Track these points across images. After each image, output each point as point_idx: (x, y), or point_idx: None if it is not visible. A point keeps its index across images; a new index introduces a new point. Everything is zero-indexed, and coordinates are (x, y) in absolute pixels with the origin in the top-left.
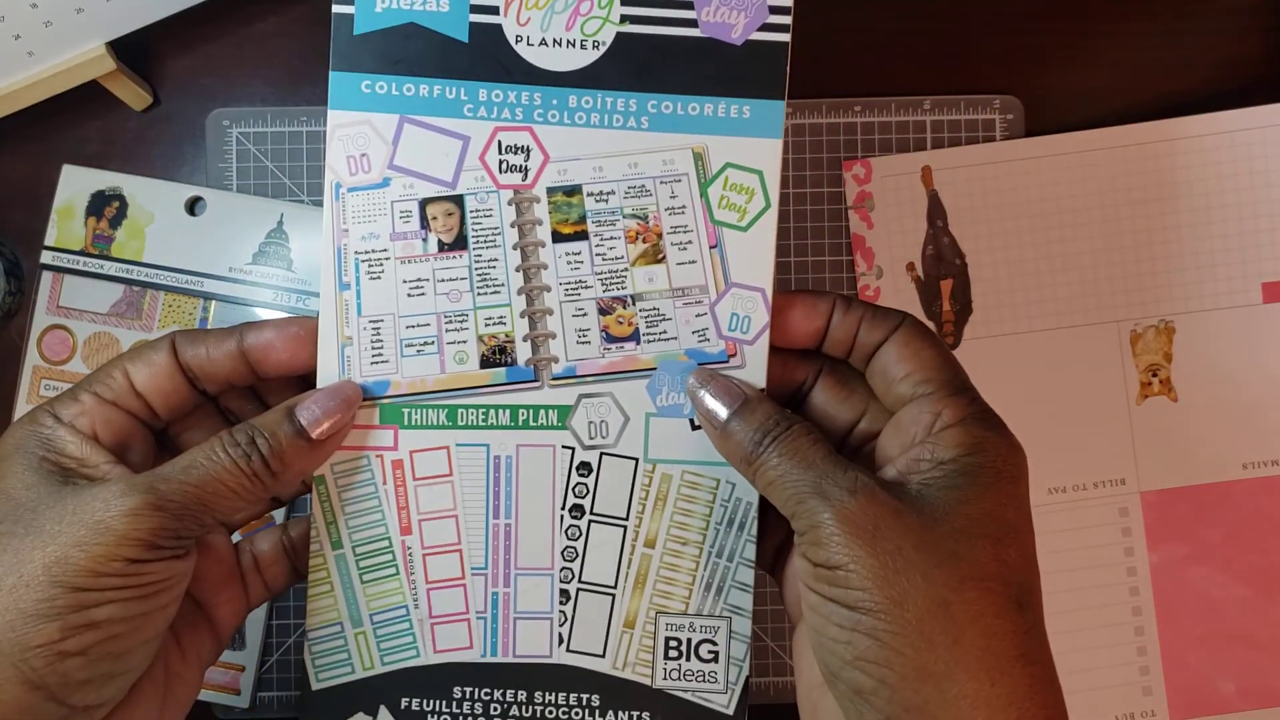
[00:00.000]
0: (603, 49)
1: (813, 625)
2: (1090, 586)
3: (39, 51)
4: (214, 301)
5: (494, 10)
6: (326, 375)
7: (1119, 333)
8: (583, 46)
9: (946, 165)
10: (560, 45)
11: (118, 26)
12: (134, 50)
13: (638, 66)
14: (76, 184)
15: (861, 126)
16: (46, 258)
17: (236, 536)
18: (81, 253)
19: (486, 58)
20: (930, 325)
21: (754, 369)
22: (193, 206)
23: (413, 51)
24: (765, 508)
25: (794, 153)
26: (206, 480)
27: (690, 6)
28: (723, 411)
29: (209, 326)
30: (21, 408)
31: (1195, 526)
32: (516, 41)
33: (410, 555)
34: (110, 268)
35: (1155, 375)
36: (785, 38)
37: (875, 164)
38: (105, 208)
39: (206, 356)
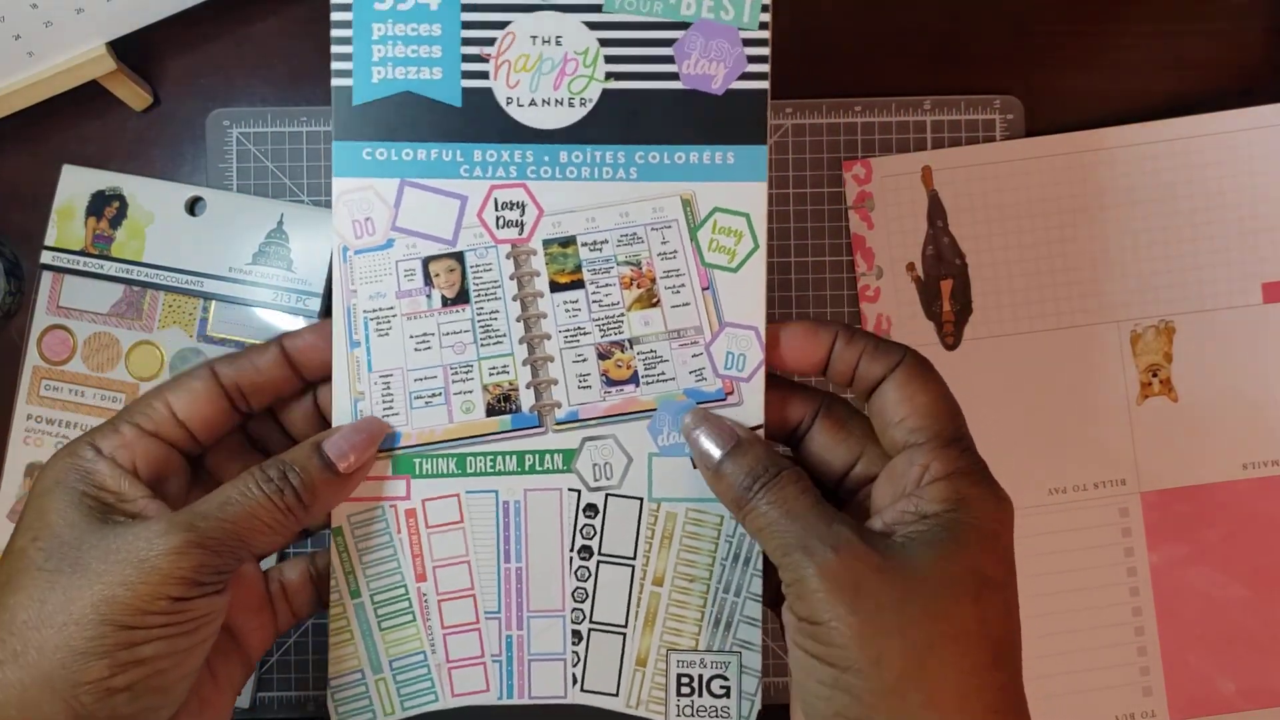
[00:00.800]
0: (590, 105)
1: (797, 676)
2: (1090, 587)
3: (39, 52)
4: (214, 301)
5: (484, 75)
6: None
7: (1119, 333)
8: (570, 104)
9: (946, 165)
10: (549, 104)
11: (118, 26)
12: (134, 50)
13: (624, 120)
14: (76, 184)
15: (861, 126)
16: (46, 258)
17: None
18: (81, 253)
19: (479, 120)
20: (931, 325)
21: (751, 406)
22: (193, 206)
23: (409, 118)
24: None
25: (794, 153)
26: (243, 515)
27: (671, 60)
28: (716, 452)
29: (208, 326)
30: (21, 408)
31: (1195, 527)
32: (507, 103)
33: (426, 602)
34: (110, 268)
35: (1155, 375)
36: (764, 85)
37: (875, 164)
38: (105, 208)
39: (255, 369)
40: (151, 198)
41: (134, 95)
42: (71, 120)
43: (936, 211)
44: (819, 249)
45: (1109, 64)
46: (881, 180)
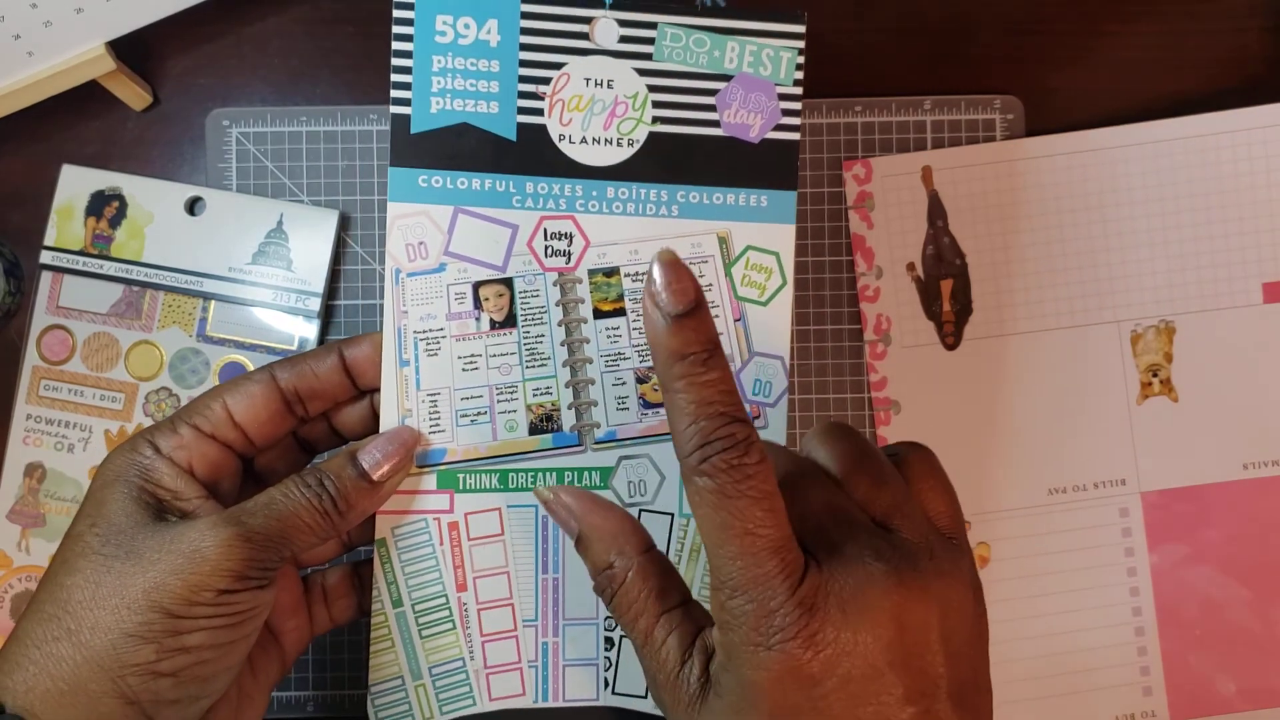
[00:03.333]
0: (636, 146)
1: None
2: (1090, 587)
3: (38, 51)
4: (213, 301)
5: (539, 113)
6: None
7: (1119, 333)
8: (619, 144)
9: (947, 165)
10: (599, 143)
11: (117, 26)
12: (134, 50)
13: (668, 161)
14: (76, 184)
15: (861, 126)
16: (46, 258)
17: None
18: (81, 253)
19: (533, 154)
20: (931, 325)
21: (776, 429)
22: (192, 206)
23: (466, 149)
24: None
25: None
26: (286, 515)
27: (713, 109)
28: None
29: (208, 326)
30: (21, 408)
31: (1196, 527)
32: (560, 140)
33: (466, 610)
34: (110, 268)
35: (1156, 375)
36: (796, 136)
37: (875, 164)
38: (105, 207)
39: (314, 374)
40: (151, 197)
41: (133, 95)
42: (71, 120)
43: (937, 211)
44: (819, 249)
45: (1109, 64)
46: (881, 180)
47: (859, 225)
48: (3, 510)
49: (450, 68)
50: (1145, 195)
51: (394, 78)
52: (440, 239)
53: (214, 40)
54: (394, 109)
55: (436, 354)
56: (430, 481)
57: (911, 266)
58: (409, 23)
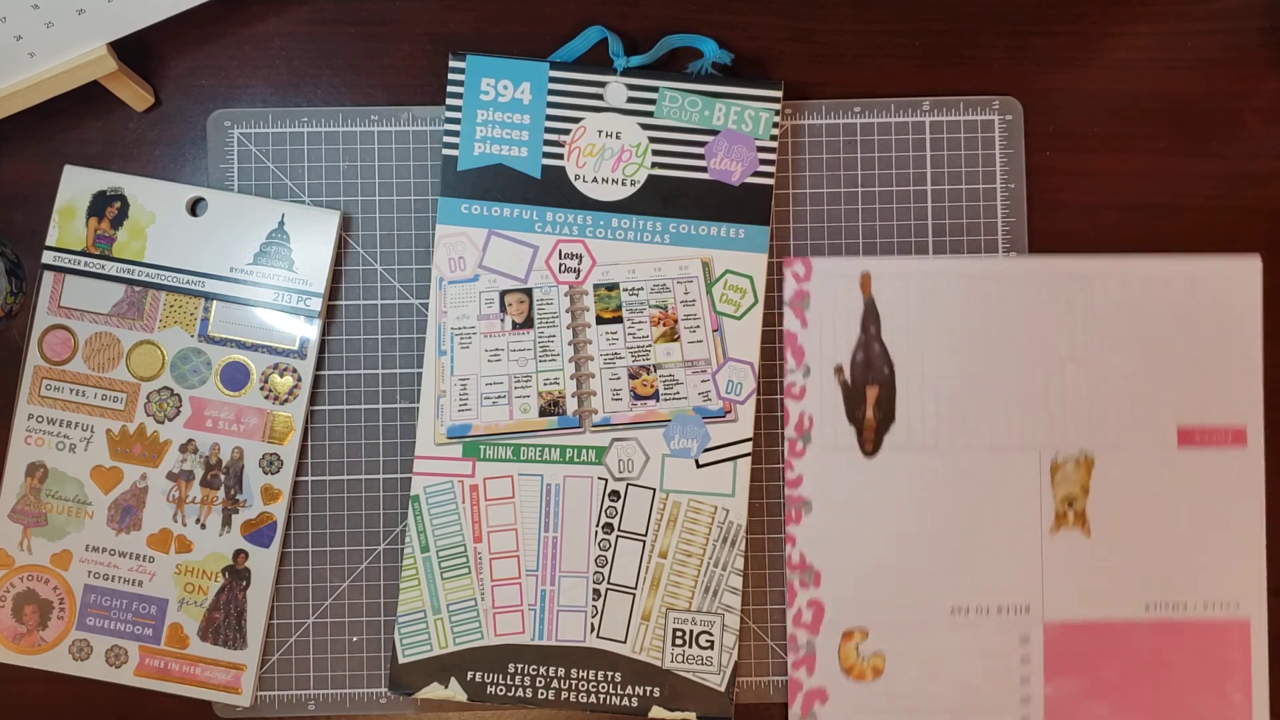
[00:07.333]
0: (638, 185)
1: None
2: (983, 711)
3: (41, 52)
4: (215, 301)
5: (559, 156)
6: (426, 417)
7: (1040, 460)
8: (623, 184)
9: (886, 273)
10: (607, 182)
11: (119, 27)
12: (135, 51)
13: (663, 198)
14: (78, 184)
15: (861, 127)
16: (48, 258)
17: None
18: (83, 253)
19: (553, 190)
20: (852, 429)
21: (744, 422)
22: (194, 207)
23: (499, 184)
24: None
25: (793, 153)
26: None
27: (702, 157)
28: None
29: (210, 326)
30: (23, 408)
31: (1094, 662)
32: (575, 179)
33: (480, 558)
34: (111, 268)
35: (1071, 507)
36: (770, 181)
37: (816, 264)
38: (107, 208)
39: None
40: (153, 198)
41: (135, 96)
42: (73, 121)
43: (870, 318)
44: (819, 249)
45: (1109, 64)
46: (820, 281)
47: (792, 322)
48: (4, 510)
49: (491, 120)
50: (1072, 325)
51: (446, 126)
52: (476, 255)
53: (215, 41)
54: (445, 151)
55: (468, 347)
56: (457, 450)
57: (840, 369)
58: (460, 84)
